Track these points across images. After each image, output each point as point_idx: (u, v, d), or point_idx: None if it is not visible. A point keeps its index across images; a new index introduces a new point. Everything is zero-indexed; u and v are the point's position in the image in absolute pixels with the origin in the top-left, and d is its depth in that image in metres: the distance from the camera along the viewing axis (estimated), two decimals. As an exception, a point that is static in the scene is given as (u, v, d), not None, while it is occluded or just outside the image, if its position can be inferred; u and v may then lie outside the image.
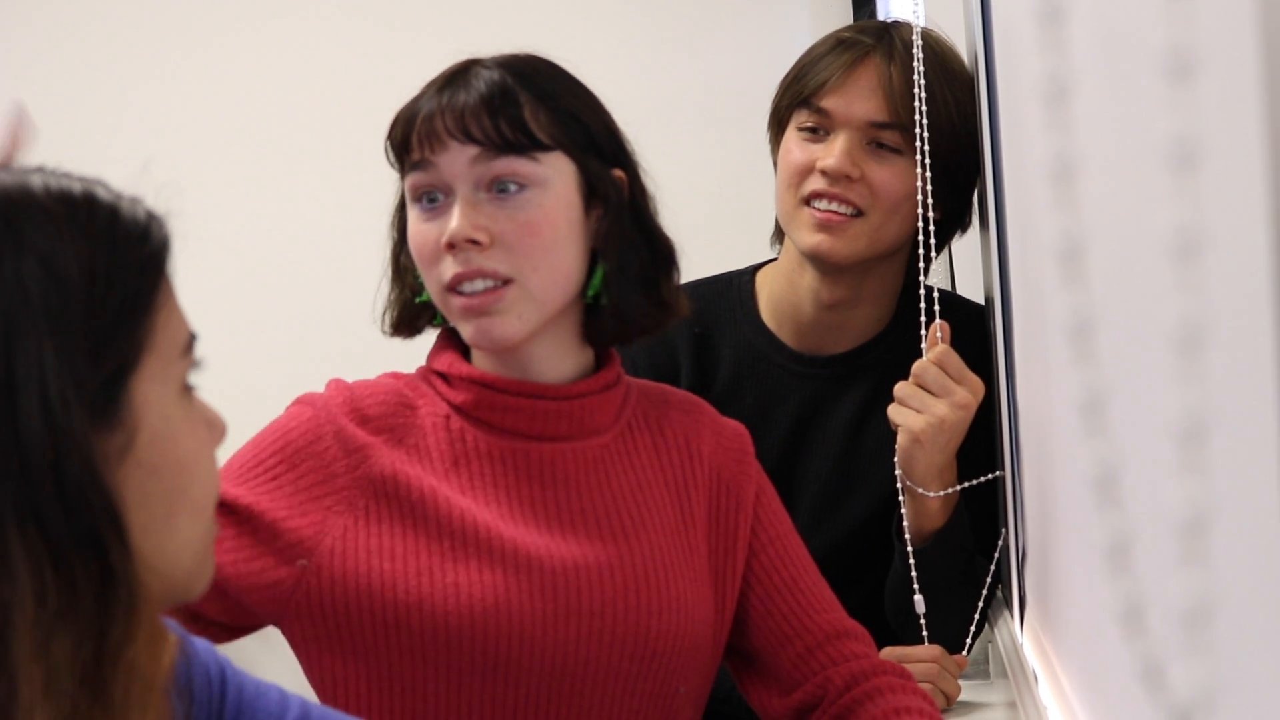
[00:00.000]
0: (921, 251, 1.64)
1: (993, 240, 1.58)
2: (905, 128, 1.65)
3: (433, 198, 1.32)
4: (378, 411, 1.34)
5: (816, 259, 1.69)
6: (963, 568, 1.66)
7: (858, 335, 1.76)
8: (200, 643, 0.99)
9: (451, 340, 1.41)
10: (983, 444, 1.68)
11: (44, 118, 3.02)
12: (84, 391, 0.75)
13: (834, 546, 1.72)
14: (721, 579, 1.42)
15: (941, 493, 1.62)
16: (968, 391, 1.58)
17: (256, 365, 3.60)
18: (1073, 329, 0.72)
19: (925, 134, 1.62)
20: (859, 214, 1.67)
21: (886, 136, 1.67)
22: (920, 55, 1.64)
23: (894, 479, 1.65)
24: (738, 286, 1.82)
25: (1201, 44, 0.57)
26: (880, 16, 3.22)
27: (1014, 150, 1.39)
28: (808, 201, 1.68)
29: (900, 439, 1.61)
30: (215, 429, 0.86)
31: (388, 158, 1.37)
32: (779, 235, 1.81)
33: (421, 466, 1.32)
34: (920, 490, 1.62)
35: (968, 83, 1.69)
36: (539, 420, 1.36)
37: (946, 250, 2.35)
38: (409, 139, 1.33)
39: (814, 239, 1.67)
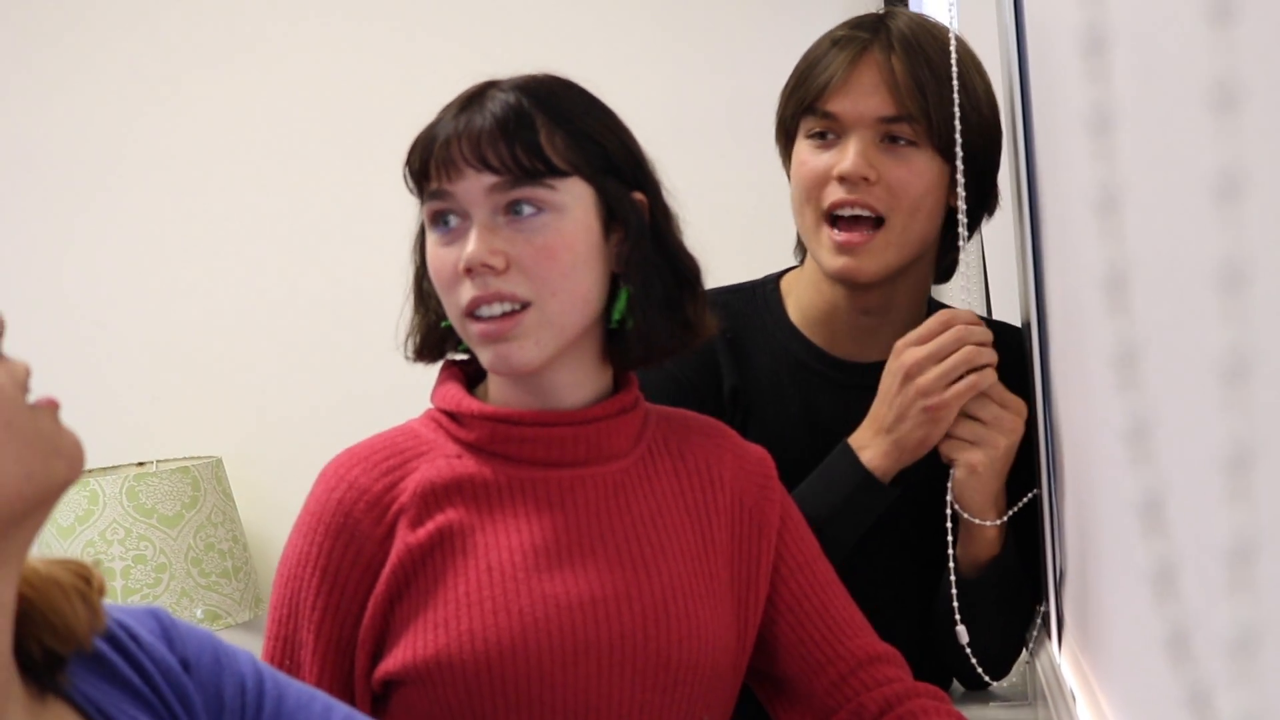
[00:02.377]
0: (962, 254, 1.61)
1: (1029, 264, 1.58)
2: (914, 119, 1.60)
3: (448, 220, 1.32)
4: (382, 487, 1.33)
5: (843, 281, 1.66)
6: (1017, 591, 1.65)
7: (894, 339, 1.72)
8: (242, 653, 1.02)
9: (455, 374, 1.41)
10: (1024, 465, 1.67)
11: (56, 126, 3.03)
12: None
13: (888, 561, 1.71)
14: (744, 605, 1.42)
15: (999, 520, 1.60)
16: (1014, 415, 1.56)
17: (286, 379, 3.62)
18: (1117, 357, 0.72)
19: (959, 132, 1.58)
20: (880, 221, 1.62)
21: (899, 130, 1.61)
22: (954, 48, 1.59)
23: (944, 489, 1.63)
24: (762, 295, 1.78)
25: (1245, 74, 0.57)
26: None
27: (1052, 177, 1.39)
28: (828, 217, 1.63)
29: (958, 474, 1.58)
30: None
31: (406, 184, 1.37)
32: (802, 247, 1.76)
33: (435, 519, 1.32)
34: (979, 521, 1.59)
35: (973, 63, 1.65)
36: (555, 447, 1.35)
37: (982, 273, 2.33)
38: (426, 166, 1.33)
39: (838, 263, 1.63)
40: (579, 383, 1.37)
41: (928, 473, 1.63)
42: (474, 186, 1.30)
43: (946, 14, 1.69)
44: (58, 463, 0.88)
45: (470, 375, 1.42)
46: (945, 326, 1.56)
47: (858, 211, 1.62)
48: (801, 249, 1.76)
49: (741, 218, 3.40)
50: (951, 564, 1.61)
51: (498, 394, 1.39)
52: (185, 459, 3.50)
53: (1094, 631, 1.33)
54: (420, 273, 1.40)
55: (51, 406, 0.89)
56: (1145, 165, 0.77)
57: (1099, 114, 0.69)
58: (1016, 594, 1.65)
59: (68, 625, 0.89)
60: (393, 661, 1.30)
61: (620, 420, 1.39)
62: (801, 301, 1.75)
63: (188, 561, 3.21)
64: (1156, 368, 0.77)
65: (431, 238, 1.35)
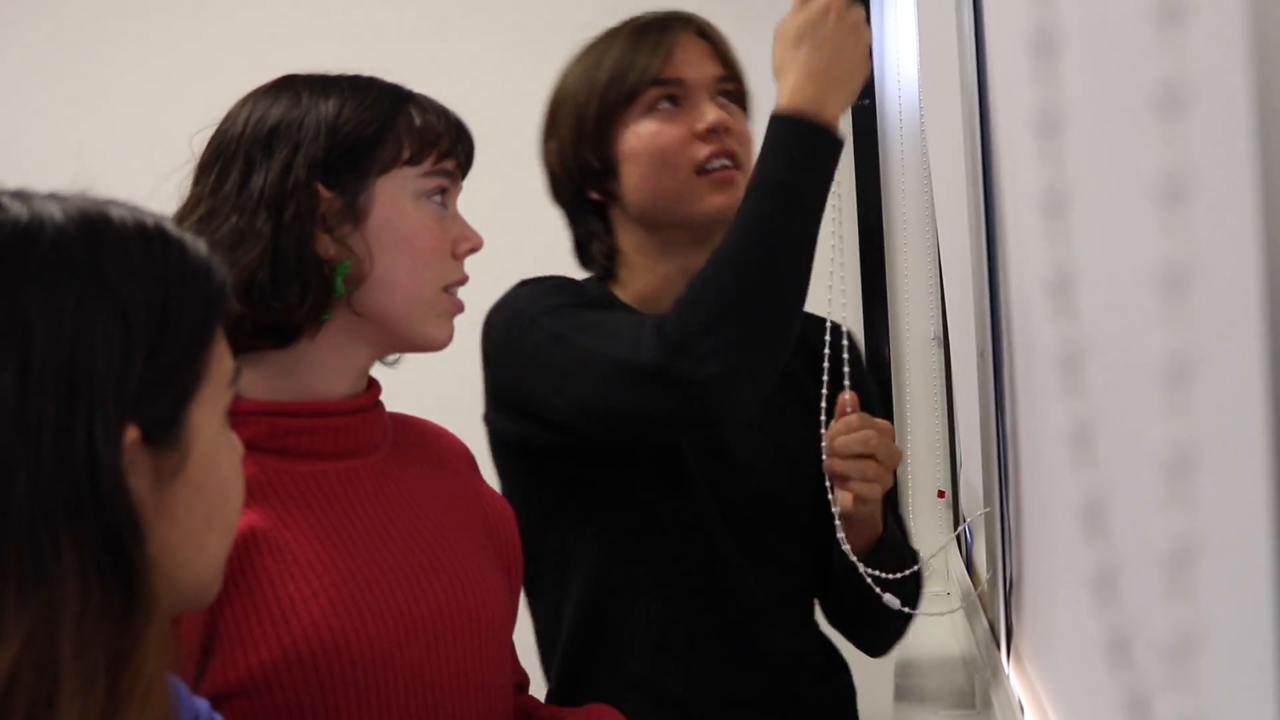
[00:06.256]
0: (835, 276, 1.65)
1: (984, 268, 1.58)
2: (736, 79, 1.72)
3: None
4: None
5: (723, 218, 1.66)
6: (901, 542, 1.74)
7: None
8: (200, 700, 1.05)
9: None
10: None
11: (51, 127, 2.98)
12: (136, 415, 0.83)
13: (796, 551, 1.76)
14: (506, 571, 1.48)
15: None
16: (888, 440, 1.63)
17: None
18: (1062, 360, 0.72)
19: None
20: (738, 167, 1.69)
21: (729, 86, 1.72)
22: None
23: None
24: (598, 293, 1.76)
25: (1193, 77, 0.57)
26: (875, 38, 3.24)
27: (1005, 179, 1.39)
28: (702, 169, 1.68)
29: (857, 509, 1.62)
30: (239, 452, 0.96)
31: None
32: (599, 258, 1.75)
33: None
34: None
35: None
36: (331, 439, 1.36)
37: (938, 278, 2.33)
38: None
39: (721, 199, 1.67)
40: (342, 372, 1.39)
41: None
42: None
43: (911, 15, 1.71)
44: (216, 589, 0.94)
45: None
46: None
47: (724, 161, 1.69)
48: (603, 260, 1.75)
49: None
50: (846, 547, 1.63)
51: (254, 389, 1.36)
52: None
53: (1040, 638, 1.33)
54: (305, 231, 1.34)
55: None
56: (1091, 168, 0.77)
57: (1046, 116, 0.69)
58: (900, 547, 1.73)
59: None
60: (230, 673, 1.25)
61: (377, 412, 1.43)
62: (639, 289, 1.75)
63: None
64: (1100, 372, 0.77)
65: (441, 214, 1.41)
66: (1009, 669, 1.54)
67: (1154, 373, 0.60)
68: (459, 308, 1.41)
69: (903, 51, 3.18)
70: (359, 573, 1.31)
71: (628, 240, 1.74)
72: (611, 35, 1.75)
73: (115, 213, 0.86)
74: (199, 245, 0.90)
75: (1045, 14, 0.69)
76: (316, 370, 1.37)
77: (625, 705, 1.56)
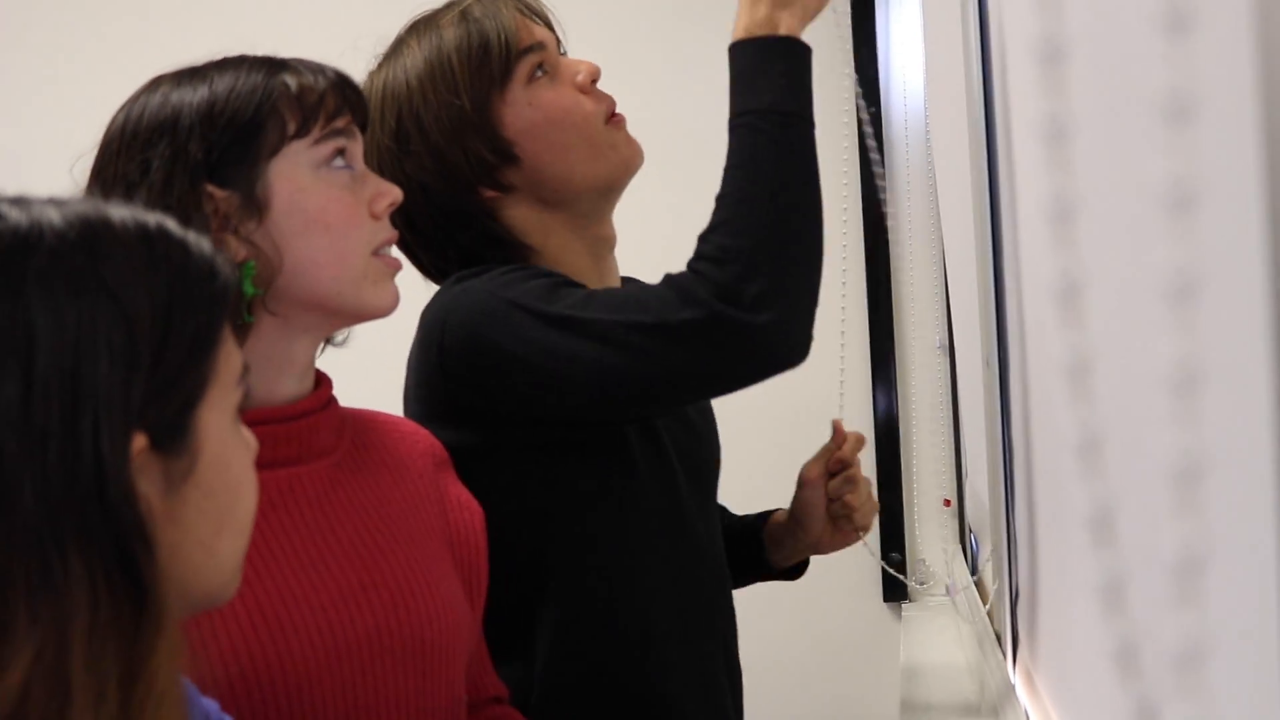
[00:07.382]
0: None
1: (990, 276, 1.58)
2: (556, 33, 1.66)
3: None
4: None
5: (637, 163, 1.64)
6: None
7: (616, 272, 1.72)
8: (209, 700, 1.04)
9: None
10: None
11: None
12: (143, 423, 0.81)
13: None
14: (469, 586, 1.39)
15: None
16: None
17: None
18: (1070, 368, 0.72)
19: None
20: None
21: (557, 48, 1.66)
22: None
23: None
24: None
25: (1200, 86, 0.57)
26: (881, 46, 3.25)
27: (1011, 187, 1.39)
28: (608, 120, 1.62)
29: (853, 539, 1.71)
30: (253, 449, 0.94)
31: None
32: (516, 257, 1.63)
33: None
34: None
35: None
36: (269, 447, 1.24)
37: (943, 285, 2.33)
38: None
39: (634, 145, 1.63)
40: (283, 372, 1.30)
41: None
42: None
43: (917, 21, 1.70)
44: (232, 589, 0.93)
45: None
46: None
47: (613, 109, 1.64)
48: (518, 259, 1.64)
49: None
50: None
51: None
52: None
53: (1047, 648, 1.33)
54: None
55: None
56: (1099, 175, 0.77)
57: (1054, 124, 0.68)
58: None
59: None
60: None
61: (325, 415, 1.33)
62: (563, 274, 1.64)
63: None
64: (1107, 380, 0.77)
65: (331, 176, 1.29)
66: (1015, 679, 1.54)
67: (1161, 381, 0.60)
68: (395, 267, 1.32)
69: (908, 59, 3.18)
70: (288, 591, 1.23)
71: (534, 228, 1.63)
72: (425, 28, 1.63)
73: (116, 215, 0.85)
74: (203, 244, 0.88)
75: (1052, 22, 0.69)
76: (253, 376, 1.24)
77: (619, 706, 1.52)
